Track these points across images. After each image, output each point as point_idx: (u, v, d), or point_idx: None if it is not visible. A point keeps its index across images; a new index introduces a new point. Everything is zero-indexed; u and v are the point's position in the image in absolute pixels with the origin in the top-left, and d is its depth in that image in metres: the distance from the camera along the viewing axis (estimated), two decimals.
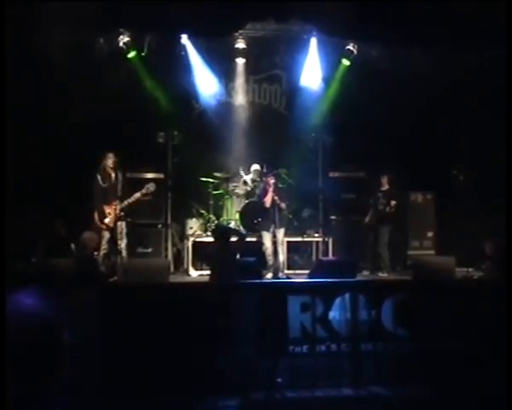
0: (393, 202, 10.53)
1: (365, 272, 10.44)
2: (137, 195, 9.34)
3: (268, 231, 10.03)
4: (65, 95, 10.17)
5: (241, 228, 10.73)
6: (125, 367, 5.74)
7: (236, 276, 7.53)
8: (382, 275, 10.38)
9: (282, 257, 10.03)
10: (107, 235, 9.24)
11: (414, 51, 10.95)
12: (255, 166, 11.54)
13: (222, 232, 8.30)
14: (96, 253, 8.59)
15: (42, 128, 10.12)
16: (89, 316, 5.53)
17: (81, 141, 10.10)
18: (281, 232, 10.02)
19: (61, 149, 10.26)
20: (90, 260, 7.62)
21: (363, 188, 11.27)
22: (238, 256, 8.84)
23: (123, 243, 9.25)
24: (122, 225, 9.35)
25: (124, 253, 9.26)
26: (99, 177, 9.36)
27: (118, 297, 6.07)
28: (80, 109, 10.18)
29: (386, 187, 10.85)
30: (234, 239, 8.65)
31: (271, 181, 9.94)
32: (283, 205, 9.97)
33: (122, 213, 9.27)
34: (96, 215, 9.27)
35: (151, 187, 9.45)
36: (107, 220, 9.23)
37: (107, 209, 9.24)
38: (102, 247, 9.11)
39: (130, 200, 9.29)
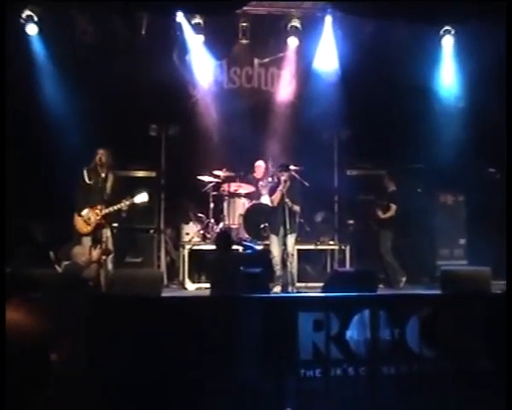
0: (394, 206, 10.63)
1: (381, 286, 10.43)
2: (125, 204, 9.34)
3: (277, 234, 10.03)
4: (46, 85, 10.29)
5: (250, 239, 10.78)
6: (114, 386, 5.79)
7: (240, 290, 7.56)
8: (401, 283, 10.43)
9: (292, 267, 10.04)
10: (87, 242, 9.25)
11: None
12: (259, 163, 11.59)
13: (223, 239, 8.33)
14: (86, 268, 8.63)
15: (19, 122, 10.21)
16: (73, 331, 5.58)
17: (62, 135, 10.18)
18: (291, 239, 9.99)
19: (39, 146, 10.35)
20: (76, 275, 7.70)
21: (384, 188, 11.29)
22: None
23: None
24: (107, 232, 9.38)
25: (109, 264, 9.30)
26: (85, 173, 9.41)
27: (105, 312, 6.12)
28: (63, 100, 10.28)
29: (390, 189, 10.95)
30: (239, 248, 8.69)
31: (282, 178, 9.96)
32: (297, 208, 9.98)
33: (104, 221, 9.29)
34: (75, 218, 9.30)
35: (143, 198, 9.44)
36: (83, 226, 9.25)
37: (89, 213, 9.27)
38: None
39: (116, 208, 9.31)
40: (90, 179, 9.42)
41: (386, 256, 10.75)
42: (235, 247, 9.02)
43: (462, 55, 11.35)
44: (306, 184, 10.33)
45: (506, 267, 7.99)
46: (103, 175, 9.46)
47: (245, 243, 9.84)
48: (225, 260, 7.90)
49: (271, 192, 10.19)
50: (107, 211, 9.28)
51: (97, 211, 9.27)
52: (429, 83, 11.61)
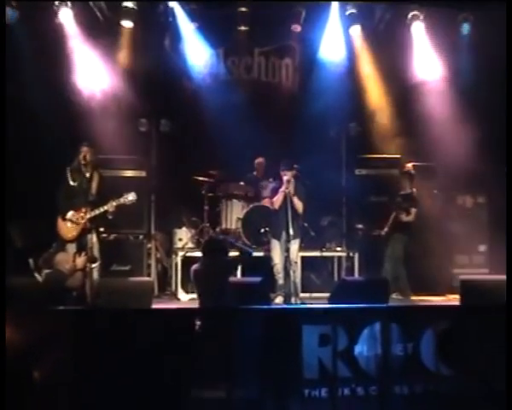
0: (413, 210, 10.59)
1: (394, 296, 10.40)
2: (111, 205, 9.28)
3: (278, 239, 10.03)
4: (25, 76, 10.27)
5: (245, 242, 10.77)
6: (101, 405, 5.78)
7: (229, 301, 7.52)
8: (396, 297, 10.38)
9: (295, 277, 10.00)
10: (71, 249, 9.23)
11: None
12: (260, 160, 11.57)
13: (210, 245, 8.30)
14: (69, 277, 8.61)
15: None
16: (56, 347, 5.57)
17: (43, 130, 10.16)
18: (295, 245, 9.98)
19: (18, 142, 10.32)
20: (59, 284, 7.69)
21: (398, 189, 11.26)
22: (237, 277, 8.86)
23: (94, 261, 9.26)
24: (93, 237, 9.34)
25: (95, 273, 9.26)
26: (69, 173, 9.39)
27: (90, 326, 6.10)
28: (43, 92, 10.25)
29: (407, 190, 10.89)
30: (233, 254, 8.63)
31: (285, 178, 9.94)
32: (299, 205, 9.94)
33: (89, 225, 9.25)
34: (58, 222, 9.29)
35: (131, 197, 9.39)
36: (68, 231, 9.24)
37: (74, 217, 9.24)
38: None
39: (102, 210, 9.26)
40: (73, 180, 9.39)
41: (393, 263, 10.65)
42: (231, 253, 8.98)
43: (481, 42, 11.32)
44: (311, 184, 10.30)
45: (506, 270, 7.99)
46: (88, 175, 9.43)
47: (240, 246, 9.78)
48: (212, 268, 7.86)
49: (273, 194, 10.16)
50: (92, 214, 9.25)
51: (82, 214, 9.23)
52: (445, 72, 11.59)
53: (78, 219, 9.21)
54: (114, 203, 9.27)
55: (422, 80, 11.53)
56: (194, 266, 8.13)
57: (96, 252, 9.32)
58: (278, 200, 9.94)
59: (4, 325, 1.71)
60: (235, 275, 10.12)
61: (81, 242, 9.26)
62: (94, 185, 9.42)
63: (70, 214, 9.24)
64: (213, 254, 8.00)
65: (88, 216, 9.22)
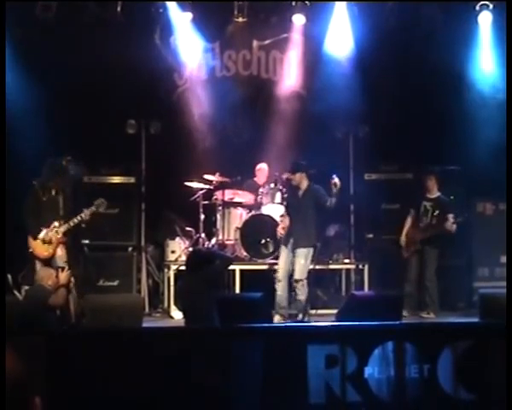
0: (451, 216, 10.49)
1: (404, 312, 10.37)
2: (85, 214, 9.29)
3: (286, 245, 10.02)
4: None
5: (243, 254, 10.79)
6: None
7: (212, 318, 7.52)
8: (427, 316, 10.38)
9: (300, 294, 9.95)
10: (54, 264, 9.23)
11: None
12: (262, 166, 11.56)
13: (191, 258, 8.30)
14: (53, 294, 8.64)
15: None
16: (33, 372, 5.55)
17: (19, 136, 10.17)
18: (300, 256, 9.92)
19: None
20: (42, 302, 7.69)
21: (411, 195, 11.26)
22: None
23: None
24: (62, 250, 9.33)
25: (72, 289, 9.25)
26: (38, 187, 9.41)
27: (70, 348, 6.09)
28: (19, 91, 10.26)
29: (435, 194, 10.85)
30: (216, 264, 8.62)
31: (293, 183, 9.99)
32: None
33: (65, 239, 9.26)
34: (30, 242, 9.28)
35: (101, 204, 9.46)
36: (43, 249, 9.23)
37: (47, 236, 9.22)
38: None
39: (75, 220, 9.27)
40: (43, 195, 9.42)
41: (428, 281, 10.63)
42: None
43: (503, 35, 11.33)
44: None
45: (506, 270, 8.01)
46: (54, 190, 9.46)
47: (222, 254, 9.69)
48: (194, 283, 7.87)
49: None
50: (66, 226, 9.28)
51: (56, 229, 9.23)
52: (464, 70, 11.57)
53: (52, 238, 9.21)
54: (87, 212, 9.28)
55: (437, 77, 11.51)
56: (178, 283, 8.16)
57: (61, 264, 9.28)
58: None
59: (5, 324, 1.69)
60: (223, 288, 10.11)
61: (53, 260, 9.27)
62: (60, 199, 9.44)
63: (43, 234, 9.23)
64: (194, 267, 8.01)
65: (62, 229, 9.22)
